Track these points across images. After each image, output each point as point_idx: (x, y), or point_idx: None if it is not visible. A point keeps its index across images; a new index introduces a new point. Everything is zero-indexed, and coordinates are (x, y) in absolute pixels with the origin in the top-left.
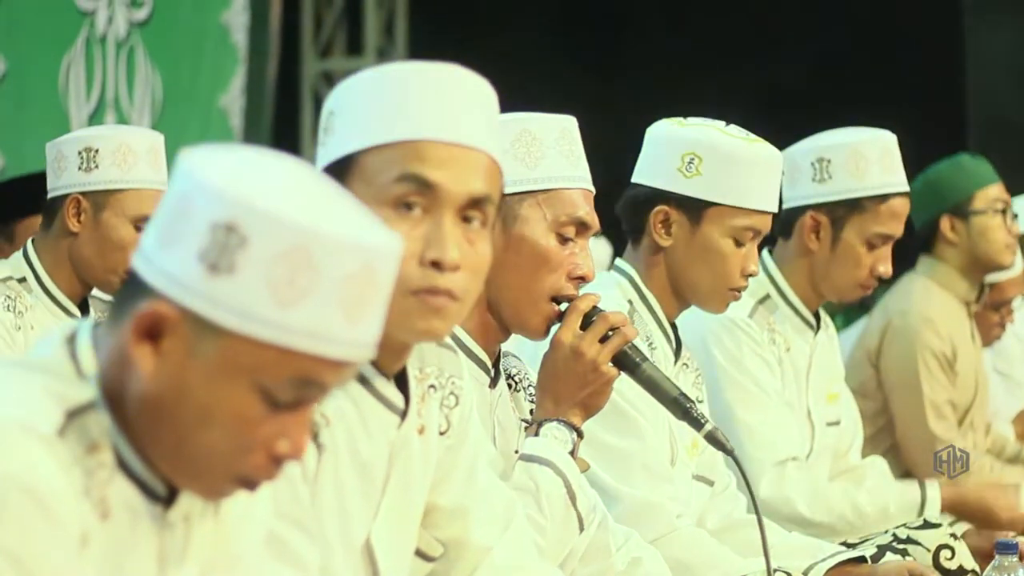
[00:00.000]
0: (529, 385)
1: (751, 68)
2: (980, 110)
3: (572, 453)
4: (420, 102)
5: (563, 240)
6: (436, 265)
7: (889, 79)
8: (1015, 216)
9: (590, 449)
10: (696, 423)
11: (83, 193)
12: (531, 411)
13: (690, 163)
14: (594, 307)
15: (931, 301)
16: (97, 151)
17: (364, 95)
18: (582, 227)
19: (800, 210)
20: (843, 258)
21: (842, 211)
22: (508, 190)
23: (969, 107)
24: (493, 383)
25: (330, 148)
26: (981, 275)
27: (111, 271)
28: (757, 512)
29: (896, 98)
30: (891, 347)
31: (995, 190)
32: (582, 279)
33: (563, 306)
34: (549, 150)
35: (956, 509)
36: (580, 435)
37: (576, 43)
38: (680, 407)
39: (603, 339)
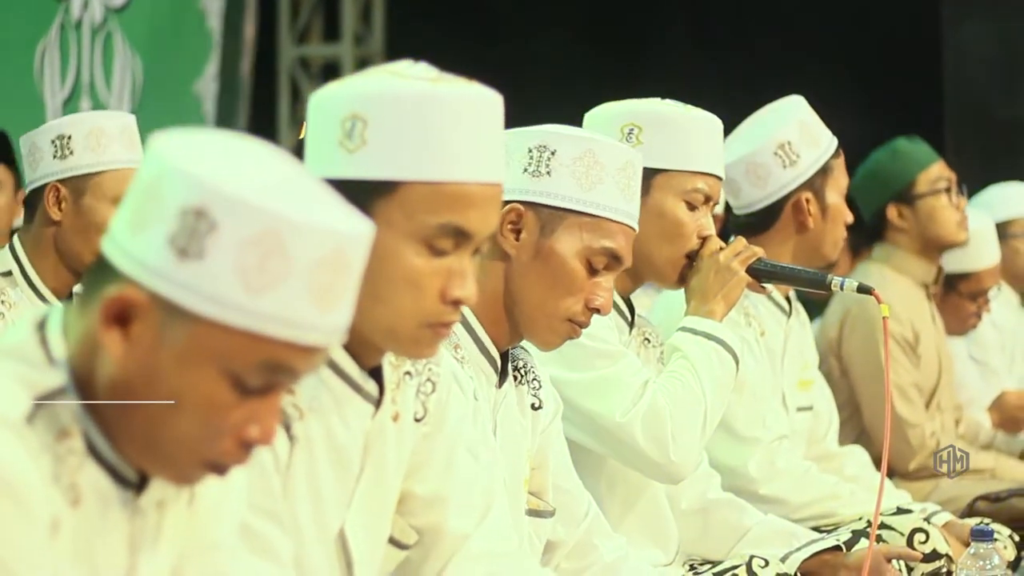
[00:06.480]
0: (535, 379)
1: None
2: (958, 102)
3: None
4: (464, 140)
5: (591, 269)
6: (456, 303)
7: (867, 72)
8: (962, 192)
9: None
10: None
11: (61, 181)
12: (531, 405)
13: (630, 133)
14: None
15: (887, 287)
16: (70, 137)
17: (404, 118)
18: (614, 260)
19: (783, 200)
20: (834, 218)
21: (819, 180)
22: (556, 203)
23: (947, 99)
24: (500, 383)
25: (364, 163)
26: (937, 255)
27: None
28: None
29: (874, 91)
30: (852, 336)
31: (936, 169)
32: (597, 311)
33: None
34: (608, 178)
35: None
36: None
37: (557, 33)
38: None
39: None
